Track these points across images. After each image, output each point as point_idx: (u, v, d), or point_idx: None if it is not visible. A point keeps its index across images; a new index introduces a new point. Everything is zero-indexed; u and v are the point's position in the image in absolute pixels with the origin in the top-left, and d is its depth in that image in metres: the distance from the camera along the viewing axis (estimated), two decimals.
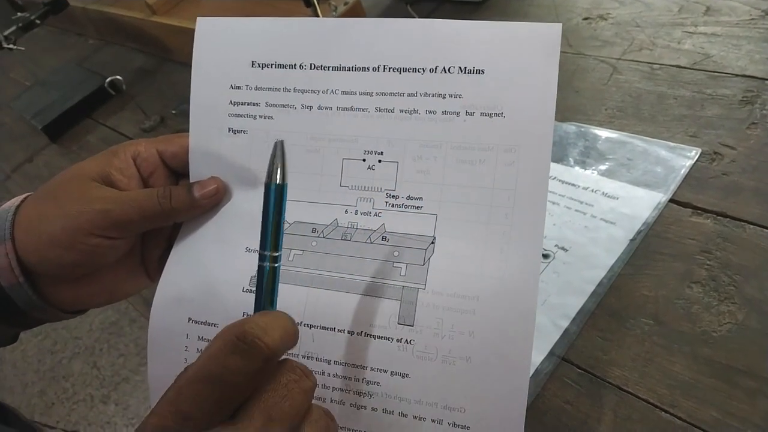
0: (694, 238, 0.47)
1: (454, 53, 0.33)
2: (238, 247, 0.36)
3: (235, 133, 0.36)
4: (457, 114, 0.33)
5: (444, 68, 0.33)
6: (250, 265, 0.35)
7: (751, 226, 0.46)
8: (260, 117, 0.36)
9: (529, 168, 0.32)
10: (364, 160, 0.34)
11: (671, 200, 0.50)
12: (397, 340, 0.32)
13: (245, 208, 0.36)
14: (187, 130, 0.37)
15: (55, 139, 1.06)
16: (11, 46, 1.07)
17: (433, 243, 0.33)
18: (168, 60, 1.12)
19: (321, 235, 0.35)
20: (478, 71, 0.32)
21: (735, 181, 0.49)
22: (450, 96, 0.33)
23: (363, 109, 0.34)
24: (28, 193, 0.35)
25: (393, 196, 0.34)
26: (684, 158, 0.52)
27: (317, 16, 0.75)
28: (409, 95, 0.34)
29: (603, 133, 0.58)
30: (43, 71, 1.30)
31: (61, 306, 0.35)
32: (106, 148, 0.36)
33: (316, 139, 0.35)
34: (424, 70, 0.33)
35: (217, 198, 0.36)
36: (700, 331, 0.42)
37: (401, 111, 0.34)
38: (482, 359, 0.31)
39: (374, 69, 0.34)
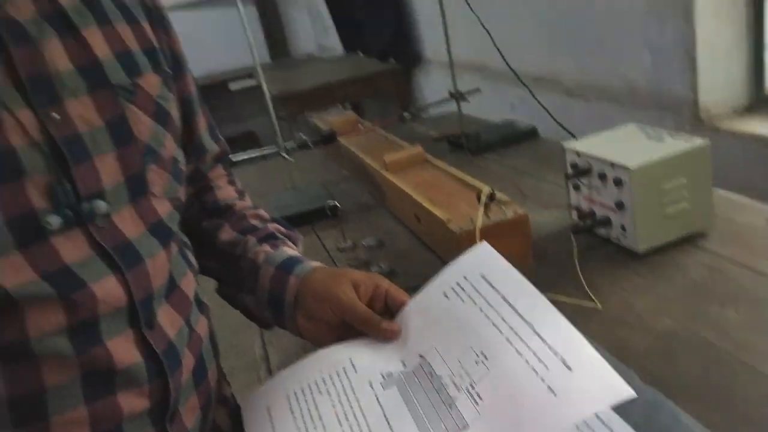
0: None
1: (565, 351, 0.47)
2: (369, 377, 0.55)
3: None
4: (536, 373, 0.47)
5: (563, 360, 0.47)
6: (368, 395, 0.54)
7: None
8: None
9: None
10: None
11: None
12: None
13: (382, 362, 0.57)
14: None
15: None
16: None
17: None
18: None
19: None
20: (569, 367, 0.46)
21: None
22: (545, 366, 0.47)
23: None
24: (320, 264, 0.65)
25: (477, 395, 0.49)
26: None
27: None
28: (533, 356, 0.48)
29: None
30: None
31: (293, 328, 0.63)
32: None
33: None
34: (557, 355, 0.47)
35: (389, 337, 0.58)
36: None
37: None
38: None
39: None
